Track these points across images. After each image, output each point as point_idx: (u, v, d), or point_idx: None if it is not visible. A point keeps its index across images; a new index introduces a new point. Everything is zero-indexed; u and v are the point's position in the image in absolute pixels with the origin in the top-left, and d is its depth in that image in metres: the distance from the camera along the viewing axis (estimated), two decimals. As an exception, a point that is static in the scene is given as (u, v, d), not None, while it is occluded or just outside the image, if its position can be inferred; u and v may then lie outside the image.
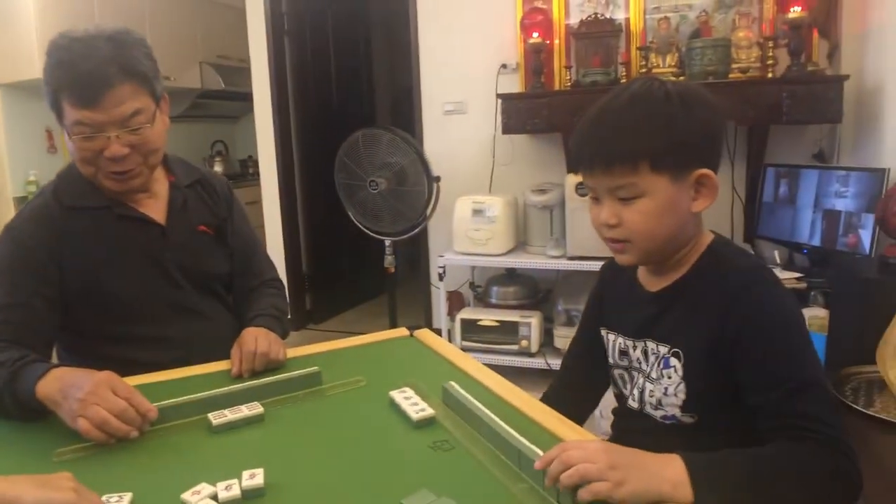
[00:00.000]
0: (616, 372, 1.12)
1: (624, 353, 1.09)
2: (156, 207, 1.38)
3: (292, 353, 1.31)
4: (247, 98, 4.14)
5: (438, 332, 3.35)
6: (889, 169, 2.25)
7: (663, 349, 1.01)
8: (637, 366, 1.06)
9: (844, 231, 2.46)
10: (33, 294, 1.23)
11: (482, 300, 3.33)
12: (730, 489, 0.80)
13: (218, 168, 5.54)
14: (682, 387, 0.98)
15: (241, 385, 1.11)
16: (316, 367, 1.16)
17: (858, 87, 2.71)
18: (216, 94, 5.16)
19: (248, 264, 1.53)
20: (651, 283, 1.06)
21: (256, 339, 1.25)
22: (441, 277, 3.20)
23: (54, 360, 1.35)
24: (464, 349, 3.09)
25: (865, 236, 2.35)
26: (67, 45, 1.19)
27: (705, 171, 0.95)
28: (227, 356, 1.28)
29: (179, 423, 1.03)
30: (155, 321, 1.35)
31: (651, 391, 1.02)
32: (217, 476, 0.84)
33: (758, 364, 0.91)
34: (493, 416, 0.93)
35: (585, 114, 1.00)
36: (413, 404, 1.02)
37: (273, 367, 1.24)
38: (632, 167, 0.92)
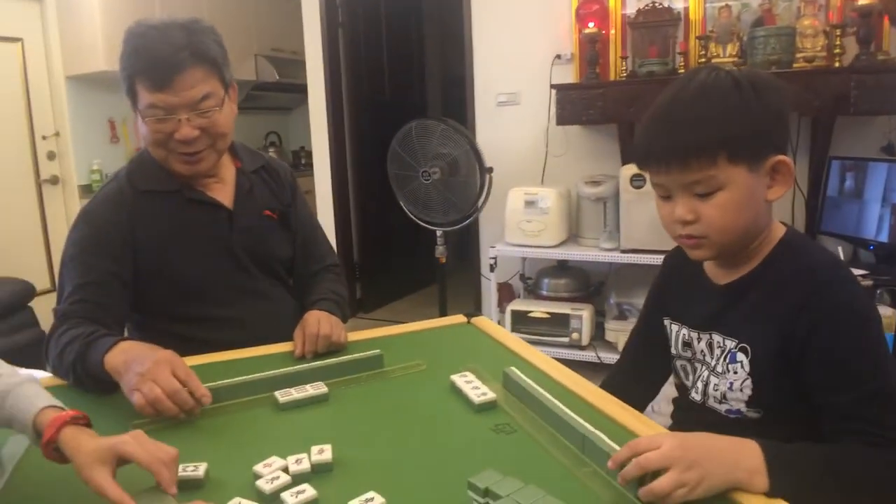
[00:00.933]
0: (679, 363, 1.10)
1: (688, 344, 1.07)
2: (224, 192, 1.42)
3: (353, 336, 1.34)
4: (300, 90, 4.21)
5: (488, 322, 3.37)
6: (965, 162, 2.16)
7: (730, 343, 0.99)
8: (701, 358, 1.05)
9: (914, 226, 2.37)
10: (107, 273, 1.28)
11: (533, 292, 3.32)
12: (806, 480, 0.79)
13: (272, 159, 5.66)
14: (748, 382, 0.96)
15: (305, 365, 1.14)
16: (378, 350, 1.18)
17: (932, 76, 2.60)
18: (270, 85, 5.26)
19: (310, 249, 1.56)
20: (719, 275, 1.04)
21: (319, 322, 1.28)
22: (492, 268, 3.20)
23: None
24: (514, 340, 3.12)
25: (937, 232, 2.26)
26: (143, 33, 1.25)
27: (781, 156, 0.93)
28: (288, 338, 1.31)
29: (248, 400, 1.06)
30: (221, 302, 1.39)
31: (716, 385, 1.00)
32: (286, 451, 0.87)
33: (833, 364, 0.89)
34: (555, 401, 0.94)
35: (650, 109, 0.98)
36: (474, 388, 1.03)
37: (335, 349, 1.27)
38: (710, 160, 0.89)
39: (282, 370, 1.10)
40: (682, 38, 3.04)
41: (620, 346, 2.60)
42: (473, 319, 1.42)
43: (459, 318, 1.43)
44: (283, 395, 1.04)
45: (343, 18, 4.15)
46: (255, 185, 1.47)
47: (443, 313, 3.29)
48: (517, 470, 0.78)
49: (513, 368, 1.06)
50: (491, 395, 1.01)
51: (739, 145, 0.90)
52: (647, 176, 0.98)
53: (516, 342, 1.28)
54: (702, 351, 1.05)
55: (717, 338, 1.01)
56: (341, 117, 4.22)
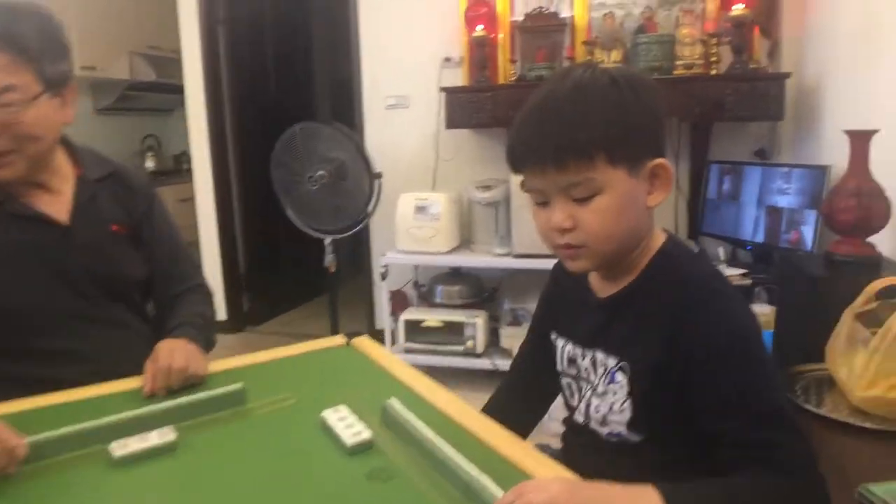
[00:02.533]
0: (564, 381, 1.03)
1: (573, 361, 1.00)
2: (58, 204, 1.23)
3: (215, 366, 1.19)
4: (180, 91, 3.94)
5: (382, 333, 3.26)
6: (831, 166, 2.26)
7: (611, 361, 0.92)
8: (585, 376, 0.98)
9: (787, 227, 2.47)
10: None
11: (426, 300, 3.23)
12: None
13: (150, 164, 5.29)
14: (628, 403, 0.89)
15: (150, 408, 0.97)
16: (240, 384, 1.04)
17: (798, 85, 2.73)
18: (147, 85, 4.93)
19: (170, 268, 1.39)
20: (602, 287, 0.97)
21: (172, 353, 1.12)
22: (383, 277, 3.09)
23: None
24: (407, 351, 3.03)
25: (808, 232, 2.36)
26: None
27: (660, 160, 0.88)
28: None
29: (75, 456, 0.89)
30: (57, 333, 1.20)
31: (597, 406, 0.94)
32: (115, 521, 0.72)
33: (714, 389, 0.83)
34: (438, 439, 0.84)
35: (523, 108, 0.90)
36: (348, 426, 0.91)
37: (192, 383, 1.11)
38: (588, 160, 0.83)
39: (119, 416, 0.93)
40: (570, 43, 3.06)
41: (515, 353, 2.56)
42: (354, 340, 1.30)
43: (338, 340, 1.31)
44: (119, 448, 0.88)
45: (223, 15, 3.92)
46: (101, 196, 1.29)
47: (333, 325, 3.15)
48: (391, 527, 0.68)
49: (393, 400, 0.95)
50: (366, 435, 0.89)
51: (619, 145, 0.84)
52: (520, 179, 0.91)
53: (400, 367, 1.17)
54: (586, 369, 0.97)
55: (599, 355, 0.94)
56: (222, 120, 3.97)
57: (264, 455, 0.90)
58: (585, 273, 0.98)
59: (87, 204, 1.26)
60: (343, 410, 0.96)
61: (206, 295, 1.43)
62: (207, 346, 1.26)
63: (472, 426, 0.94)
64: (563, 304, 1.06)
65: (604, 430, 0.93)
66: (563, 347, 1.02)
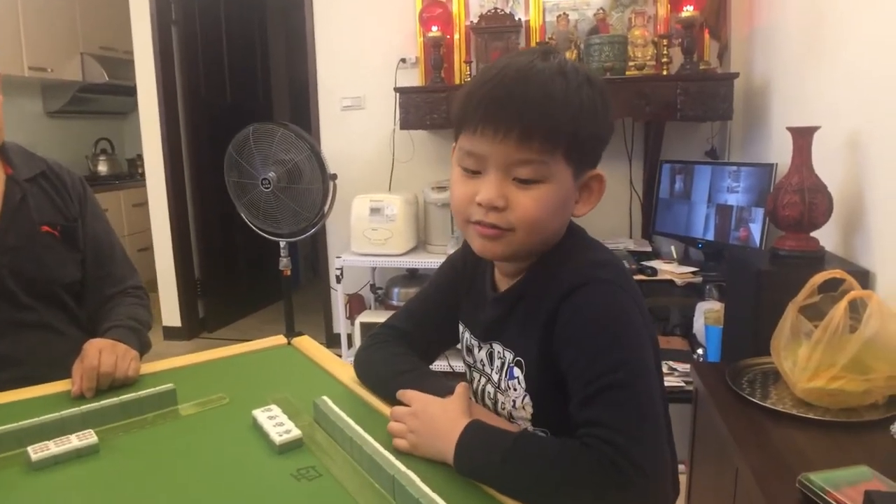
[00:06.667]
0: (464, 364, 1.02)
1: (470, 350, 0.98)
2: None
3: (148, 368, 1.15)
4: (135, 92, 3.86)
5: (338, 337, 3.22)
6: (777, 164, 2.31)
7: (508, 355, 0.89)
8: (480, 367, 0.96)
9: (736, 225, 2.51)
10: None
11: (384, 302, 3.21)
12: (480, 464, 0.78)
13: (102, 168, 5.17)
14: (527, 399, 0.87)
15: (72, 410, 0.93)
16: (170, 385, 1.01)
17: (747, 85, 2.78)
18: (100, 87, 4.82)
19: (104, 270, 1.35)
20: (503, 282, 0.94)
21: (101, 353, 1.08)
22: (339, 279, 3.06)
23: None
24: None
25: (756, 229, 2.40)
26: None
27: (599, 172, 0.86)
28: (74, 376, 1.10)
29: (-8, 460, 0.85)
30: (-15, 337, 1.15)
31: (502, 403, 0.92)
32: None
33: (569, 370, 0.79)
34: (366, 436, 0.82)
35: (495, 64, 0.82)
36: (278, 424, 0.89)
37: (122, 384, 1.08)
38: (551, 146, 0.78)
39: (39, 418, 0.90)
40: (524, 43, 3.07)
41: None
42: (294, 340, 1.28)
43: (278, 340, 1.29)
44: (36, 451, 0.84)
45: (177, 16, 3.85)
46: (31, 196, 1.25)
47: (289, 329, 3.10)
48: (312, 526, 0.65)
49: (324, 398, 0.93)
50: (296, 433, 0.87)
51: (580, 145, 0.80)
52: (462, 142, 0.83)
53: (337, 364, 1.15)
54: (481, 360, 0.95)
55: (497, 347, 0.92)
56: (176, 123, 3.90)
57: (191, 456, 0.87)
58: (493, 259, 0.93)
59: (17, 204, 1.22)
60: (274, 409, 0.94)
61: (142, 297, 1.39)
62: (142, 348, 1.22)
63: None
64: (464, 293, 1.02)
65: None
66: (463, 334, 1.01)
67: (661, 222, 2.90)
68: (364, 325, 2.97)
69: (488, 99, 0.79)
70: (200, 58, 4.05)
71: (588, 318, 0.79)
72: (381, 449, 0.79)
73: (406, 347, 1.03)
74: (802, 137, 1.71)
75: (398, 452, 0.83)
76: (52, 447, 0.85)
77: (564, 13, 3.01)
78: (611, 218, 3.14)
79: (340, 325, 3.15)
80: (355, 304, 3.24)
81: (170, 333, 3.94)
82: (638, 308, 0.83)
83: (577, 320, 0.79)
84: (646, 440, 0.72)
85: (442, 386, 0.92)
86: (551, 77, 0.79)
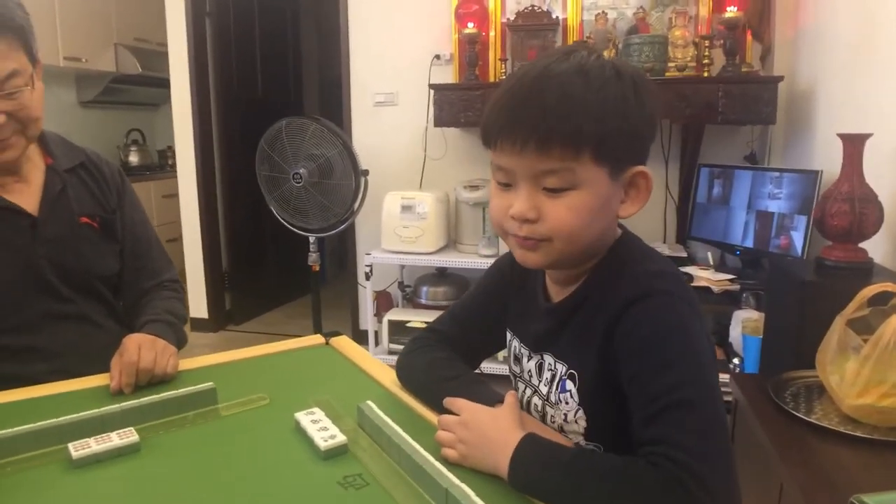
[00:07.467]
0: (510, 373, 0.99)
1: (518, 359, 0.95)
2: (27, 194, 1.17)
3: (186, 364, 1.14)
4: (167, 84, 3.88)
5: (365, 334, 3.20)
6: (822, 171, 2.24)
7: (561, 367, 0.86)
8: (527, 378, 0.93)
9: (777, 232, 2.44)
10: None
11: (411, 300, 3.19)
12: (536, 479, 0.75)
13: (133, 159, 5.21)
14: (581, 413, 0.84)
15: (113, 407, 0.91)
16: (210, 383, 0.99)
17: (790, 89, 2.71)
18: (133, 79, 4.87)
19: (142, 263, 1.34)
20: (556, 291, 0.91)
21: (140, 348, 1.06)
22: (368, 277, 3.04)
23: None
24: (391, 352, 2.97)
25: (797, 238, 2.34)
26: None
27: (643, 168, 0.81)
28: (112, 370, 1.09)
29: (33, 456, 0.84)
30: (23, 329, 1.15)
31: (552, 416, 0.88)
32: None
33: (631, 385, 0.76)
34: (415, 444, 0.79)
35: (513, 75, 0.80)
36: (322, 429, 0.86)
37: (160, 380, 1.06)
38: (574, 151, 0.75)
39: (80, 414, 0.88)
40: (561, 42, 3.02)
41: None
42: (332, 340, 1.25)
43: (316, 339, 1.26)
44: (77, 449, 0.82)
45: (211, 8, 3.86)
46: (71, 187, 1.24)
47: (317, 325, 3.10)
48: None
49: (369, 403, 0.91)
50: (341, 439, 0.84)
51: (609, 144, 0.76)
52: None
53: (379, 368, 1.13)
54: (529, 371, 0.92)
55: (548, 359, 0.89)
56: (208, 115, 3.91)
57: (233, 458, 0.85)
58: (535, 268, 0.90)
59: (57, 195, 1.21)
60: (317, 413, 0.91)
61: (178, 291, 1.38)
62: (178, 343, 1.21)
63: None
64: (513, 300, 0.99)
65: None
66: (511, 342, 0.98)
67: (698, 227, 2.84)
68: (392, 323, 2.95)
69: (505, 111, 0.78)
70: (233, 51, 4.06)
71: (650, 331, 0.76)
72: (432, 459, 0.76)
73: (449, 352, 1.01)
74: (854, 145, 1.65)
75: (447, 463, 0.80)
76: (93, 445, 0.83)
77: (603, 12, 2.96)
78: (645, 221, 3.09)
79: (368, 321, 3.13)
80: (383, 302, 3.22)
81: (196, 325, 3.96)
82: (698, 320, 0.79)
83: (639, 334, 0.76)
84: (715, 459, 0.68)
85: (491, 394, 0.89)
86: (569, 78, 0.76)
